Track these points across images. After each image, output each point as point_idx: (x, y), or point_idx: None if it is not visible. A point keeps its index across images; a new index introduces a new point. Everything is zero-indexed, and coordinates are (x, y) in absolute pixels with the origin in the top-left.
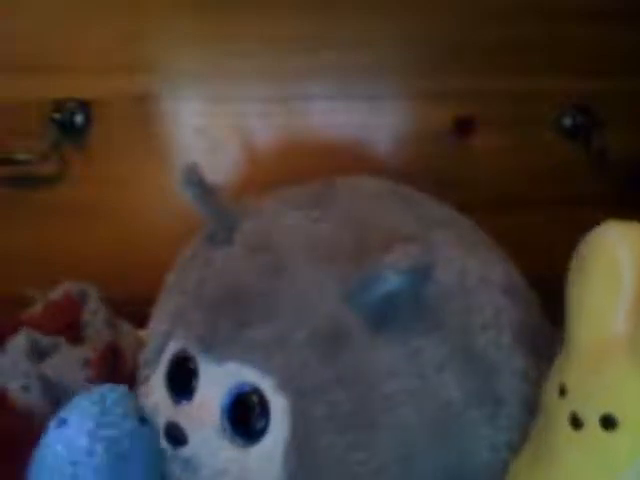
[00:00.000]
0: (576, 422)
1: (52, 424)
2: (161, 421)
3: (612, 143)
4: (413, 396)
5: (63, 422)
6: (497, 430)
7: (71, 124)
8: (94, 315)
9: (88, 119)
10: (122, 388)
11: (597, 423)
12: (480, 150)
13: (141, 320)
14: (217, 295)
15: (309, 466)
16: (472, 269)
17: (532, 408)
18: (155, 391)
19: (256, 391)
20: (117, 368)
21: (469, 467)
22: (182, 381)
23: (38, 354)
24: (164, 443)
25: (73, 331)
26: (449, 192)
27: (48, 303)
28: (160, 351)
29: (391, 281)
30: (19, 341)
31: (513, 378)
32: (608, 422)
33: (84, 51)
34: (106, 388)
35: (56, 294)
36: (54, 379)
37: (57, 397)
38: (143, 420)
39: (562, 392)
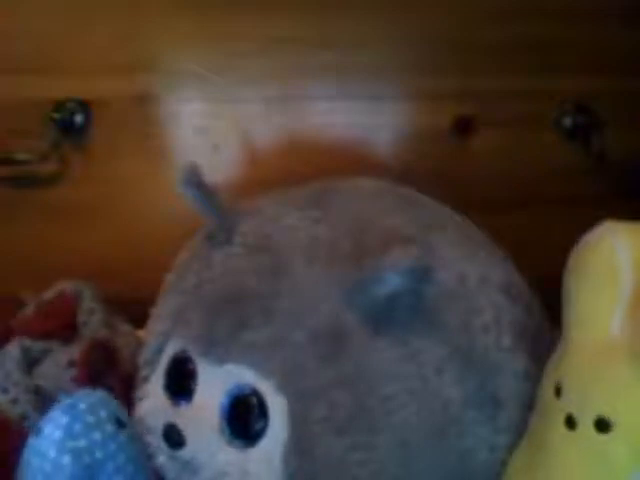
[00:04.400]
0: (570, 422)
1: (31, 434)
2: (160, 422)
3: (612, 143)
4: (413, 397)
5: (38, 432)
6: (497, 431)
7: (71, 124)
8: (90, 315)
9: (88, 119)
10: (98, 393)
11: (591, 425)
12: (480, 150)
13: (141, 320)
14: (217, 296)
15: (308, 467)
16: (472, 270)
17: (532, 409)
18: (154, 392)
19: (255, 392)
20: (109, 368)
21: (468, 468)
22: (181, 382)
23: (30, 362)
24: (162, 445)
25: (68, 331)
26: (449, 192)
27: (41, 303)
28: (159, 351)
29: (391, 282)
30: (13, 350)
31: (513, 379)
32: (602, 424)
33: (84, 51)
34: (80, 394)
35: (50, 293)
36: (44, 386)
37: (48, 407)
38: (122, 425)
39: (557, 392)
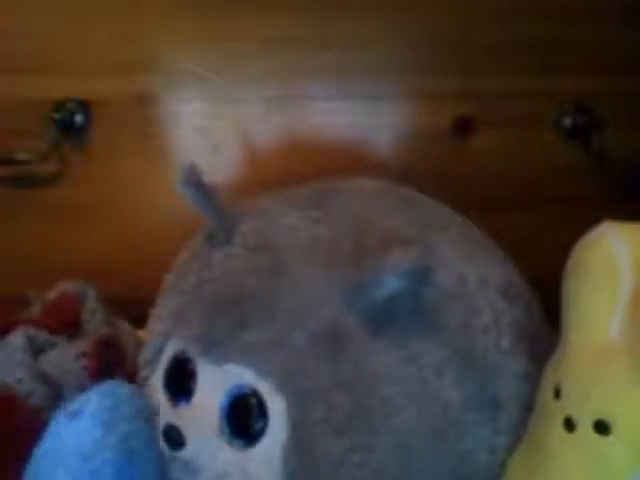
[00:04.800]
0: (569, 424)
1: (61, 417)
2: (160, 423)
3: (612, 143)
4: (412, 399)
5: (76, 414)
6: (496, 433)
7: (71, 124)
8: (93, 314)
9: (88, 119)
10: (130, 386)
11: (590, 427)
12: (480, 150)
13: (141, 320)
14: (216, 296)
15: (308, 468)
16: (472, 271)
17: (531, 411)
18: (154, 392)
19: (255, 393)
20: (117, 364)
21: (468, 470)
22: (181, 383)
23: (35, 350)
24: (163, 445)
25: (72, 329)
26: (449, 192)
27: (46, 303)
28: (159, 351)
29: (390, 284)
30: (17, 337)
31: (513, 381)
32: (601, 427)
33: (84, 51)
34: (115, 384)
35: (54, 294)
36: (49, 371)
37: (54, 390)
38: (148, 420)
39: (557, 394)
